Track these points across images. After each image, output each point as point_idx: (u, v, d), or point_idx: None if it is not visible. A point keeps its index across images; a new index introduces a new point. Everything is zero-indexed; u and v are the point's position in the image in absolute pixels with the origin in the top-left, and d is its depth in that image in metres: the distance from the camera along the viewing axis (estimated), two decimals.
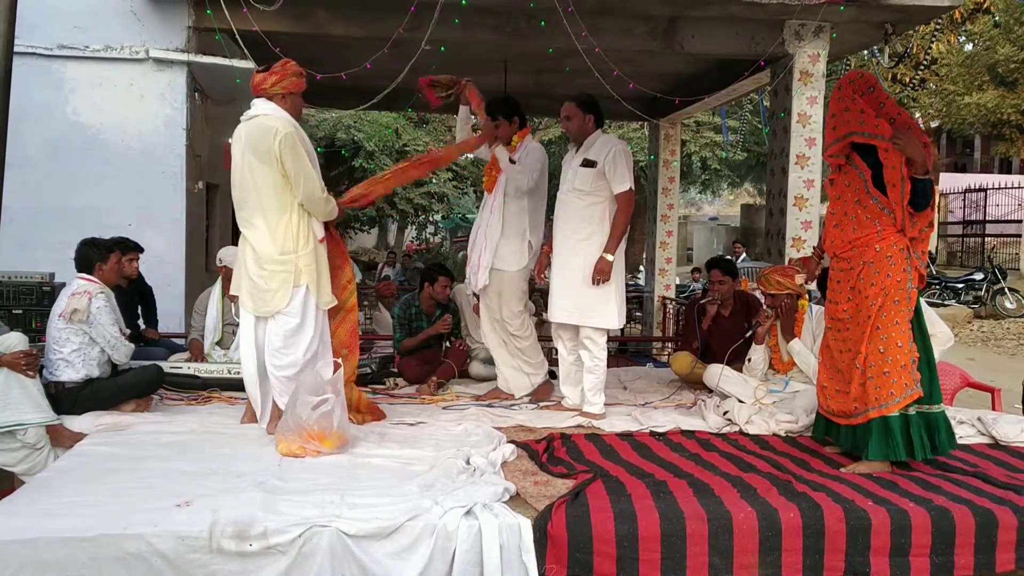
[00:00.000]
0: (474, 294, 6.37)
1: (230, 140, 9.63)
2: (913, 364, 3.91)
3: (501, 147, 5.36)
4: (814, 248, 4.71)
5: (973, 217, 21.93)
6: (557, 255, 5.10)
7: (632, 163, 5.04)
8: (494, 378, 5.93)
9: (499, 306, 5.40)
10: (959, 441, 4.55)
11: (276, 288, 4.29)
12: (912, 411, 3.93)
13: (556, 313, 5.09)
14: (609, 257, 4.87)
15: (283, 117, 4.38)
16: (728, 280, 5.86)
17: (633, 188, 4.94)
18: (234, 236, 9.71)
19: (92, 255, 4.79)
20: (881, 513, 3.35)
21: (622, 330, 12.17)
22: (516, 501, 3.41)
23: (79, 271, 4.79)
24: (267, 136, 4.27)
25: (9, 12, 2.59)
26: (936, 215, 21.59)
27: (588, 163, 4.96)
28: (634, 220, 23.83)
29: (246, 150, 4.35)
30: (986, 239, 20.71)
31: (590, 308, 4.95)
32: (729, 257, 10.37)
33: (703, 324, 5.92)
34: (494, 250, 5.32)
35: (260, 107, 4.43)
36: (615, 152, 4.94)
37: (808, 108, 7.40)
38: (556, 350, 5.36)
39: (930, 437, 3.93)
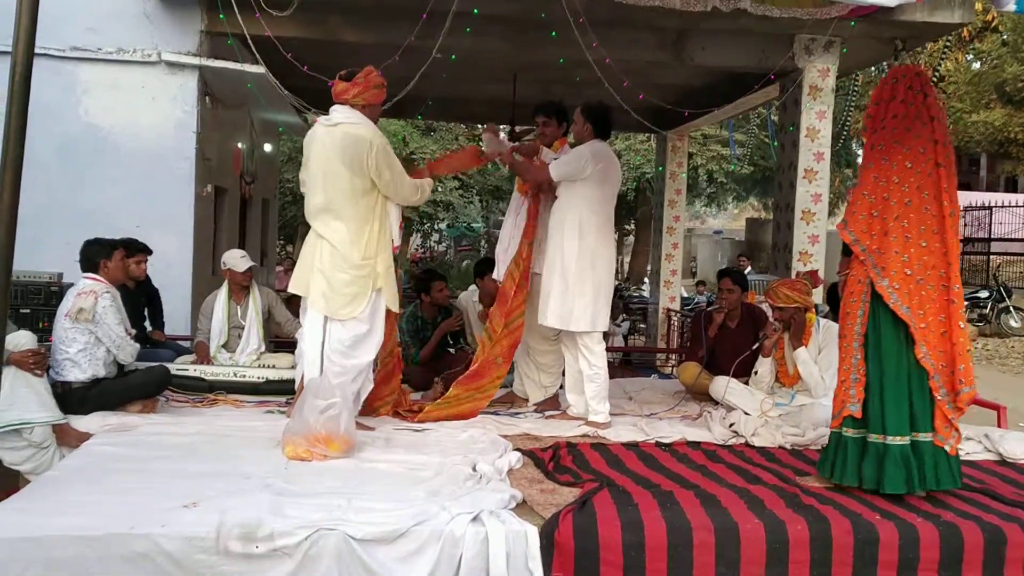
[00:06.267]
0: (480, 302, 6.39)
1: (240, 145, 9.67)
2: (855, 383, 3.73)
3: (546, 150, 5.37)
4: None
5: (978, 235, 21.91)
6: (545, 259, 5.13)
7: (605, 172, 5.00)
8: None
9: (534, 313, 5.37)
10: (965, 457, 4.54)
11: (356, 293, 4.45)
12: (847, 432, 3.75)
13: (541, 316, 5.11)
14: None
15: (372, 127, 4.51)
16: (737, 290, 5.88)
17: (551, 179, 4.95)
18: (241, 239, 9.78)
19: (96, 254, 4.80)
20: (889, 527, 3.34)
21: (626, 340, 12.21)
22: (523, 508, 3.40)
23: (84, 271, 4.80)
24: (360, 147, 4.40)
25: (32, 9, 2.60)
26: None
27: None
28: (639, 231, 23.70)
29: (332, 157, 4.43)
30: (991, 257, 20.68)
31: (564, 311, 4.96)
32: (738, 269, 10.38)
33: (709, 332, 5.92)
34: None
35: (344, 114, 4.52)
36: (579, 151, 5.00)
37: (817, 122, 7.40)
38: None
39: (869, 466, 3.67)
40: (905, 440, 3.64)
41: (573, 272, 4.93)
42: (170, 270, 6.87)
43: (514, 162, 5.22)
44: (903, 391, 3.66)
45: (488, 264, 6.35)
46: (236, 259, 6.02)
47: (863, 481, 3.68)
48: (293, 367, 5.67)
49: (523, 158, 5.26)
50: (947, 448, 3.66)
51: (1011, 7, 3.24)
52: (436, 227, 28.25)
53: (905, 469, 3.62)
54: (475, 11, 6.43)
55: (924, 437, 3.67)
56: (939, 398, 3.65)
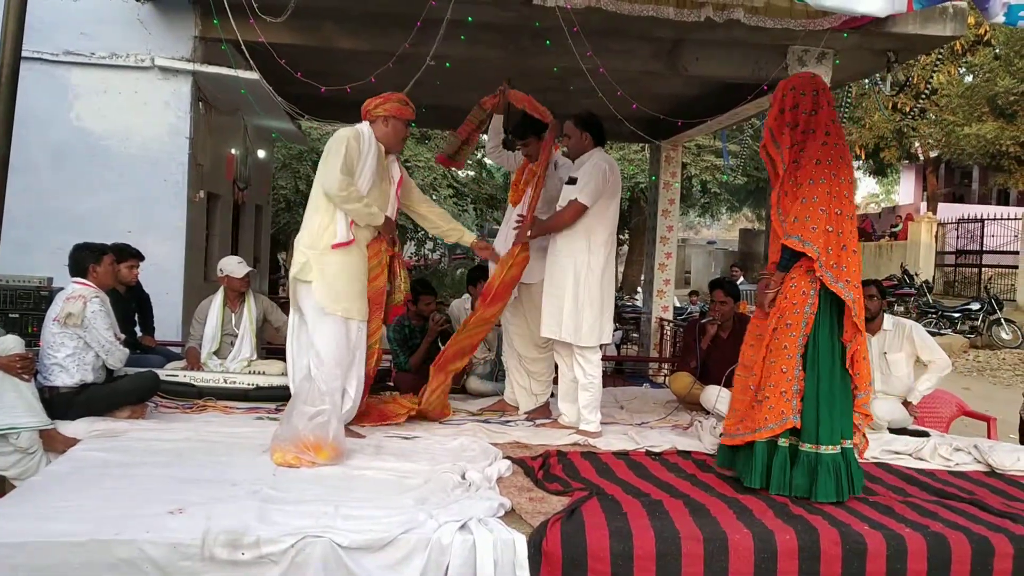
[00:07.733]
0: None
1: (233, 151, 9.66)
2: (796, 394, 3.76)
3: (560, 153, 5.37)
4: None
5: (969, 247, 21.99)
6: (547, 270, 5.12)
7: (615, 184, 5.02)
8: (491, 394, 5.93)
9: (526, 322, 5.38)
10: (956, 468, 4.57)
11: (303, 263, 4.53)
12: (783, 442, 3.80)
13: (542, 328, 5.11)
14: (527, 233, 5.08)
15: (353, 128, 4.59)
16: (730, 301, 5.90)
17: (588, 207, 4.90)
18: (234, 246, 9.75)
19: (85, 258, 4.78)
20: (877, 538, 3.33)
21: (619, 349, 12.20)
22: (511, 517, 3.39)
23: (73, 275, 4.78)
24: (326, 140, 4.55)
25: (19, 13, 2.60)
26: (935, 243, 21.73)
27: (572, 181, 4.99)
28: (633, 241, 23.72)
29: None
30: (983, 269, 20.75)
31: (566, 323, 4.96)
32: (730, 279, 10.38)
33: (702, 344, 5.93)
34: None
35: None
36: (595, 167, 4.95)
37: None
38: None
39: (800, 475, 3.74)
40: (836, 449, 3.76)
41: (585, 288, 4.93)
42: (162, 275, 6.83)
43: (542, 228, 5.10)
44: (835, 401, 3.78)
45: (482, 272, 6.35)
46: (233, 265, 6.01)
47: (794, 490, 3.76)
48: (283, 374, 5.66)
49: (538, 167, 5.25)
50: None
51: (1000, 19, 3.26)
52: (430, 235, 28.21)
53: (835, 478, 3.73)
54: (469, 19, 6.43)
55: (850, 444, 3.82)
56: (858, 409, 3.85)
